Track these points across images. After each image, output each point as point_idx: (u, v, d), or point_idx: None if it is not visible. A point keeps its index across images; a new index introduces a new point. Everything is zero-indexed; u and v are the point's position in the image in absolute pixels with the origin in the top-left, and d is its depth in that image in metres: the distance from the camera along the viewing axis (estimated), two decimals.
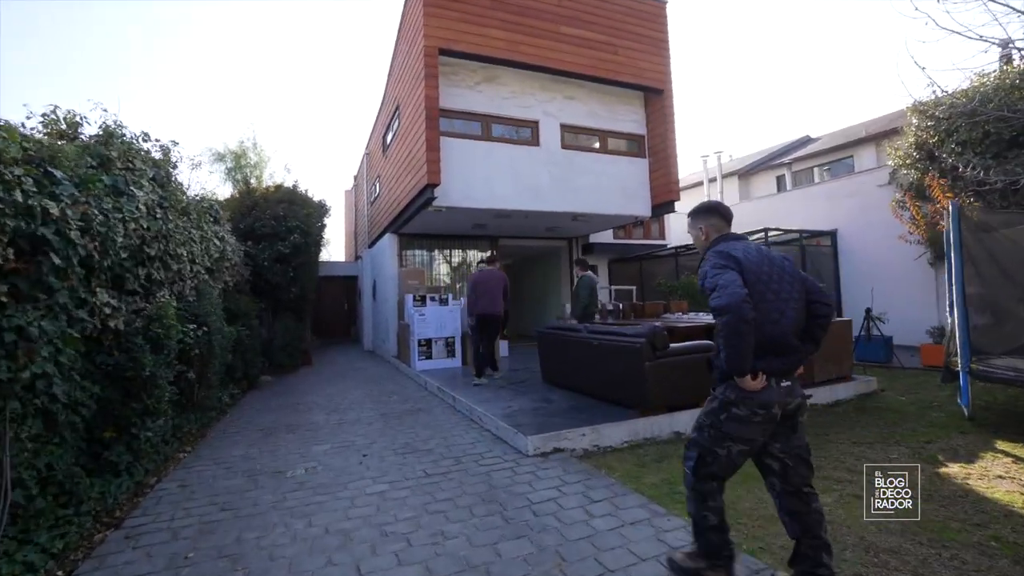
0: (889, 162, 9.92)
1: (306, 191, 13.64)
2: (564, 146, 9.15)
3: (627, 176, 9.74)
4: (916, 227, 8.36)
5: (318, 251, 14.90)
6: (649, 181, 9.93)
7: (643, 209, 9.89)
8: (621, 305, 8.86)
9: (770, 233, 10.24)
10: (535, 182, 8.76)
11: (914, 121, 9.11)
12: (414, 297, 8.58)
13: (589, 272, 7.54)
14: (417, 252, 11.21)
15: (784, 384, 1.99)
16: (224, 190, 15.51)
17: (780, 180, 16.25)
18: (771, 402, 1.95)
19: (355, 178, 18.15)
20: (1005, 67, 8.11)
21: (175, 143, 4.91)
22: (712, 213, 2.26)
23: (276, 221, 9.29)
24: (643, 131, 10.00)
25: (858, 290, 10.22)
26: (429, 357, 8.32)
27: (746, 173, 17.20)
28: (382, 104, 11.98)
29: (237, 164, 16.36)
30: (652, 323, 5.49)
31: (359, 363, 10.83)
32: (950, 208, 4.91)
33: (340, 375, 9.09)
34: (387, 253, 10.91)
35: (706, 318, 6.52)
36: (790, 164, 15.05)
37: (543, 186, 8.81)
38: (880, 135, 13.39)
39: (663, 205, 9.80)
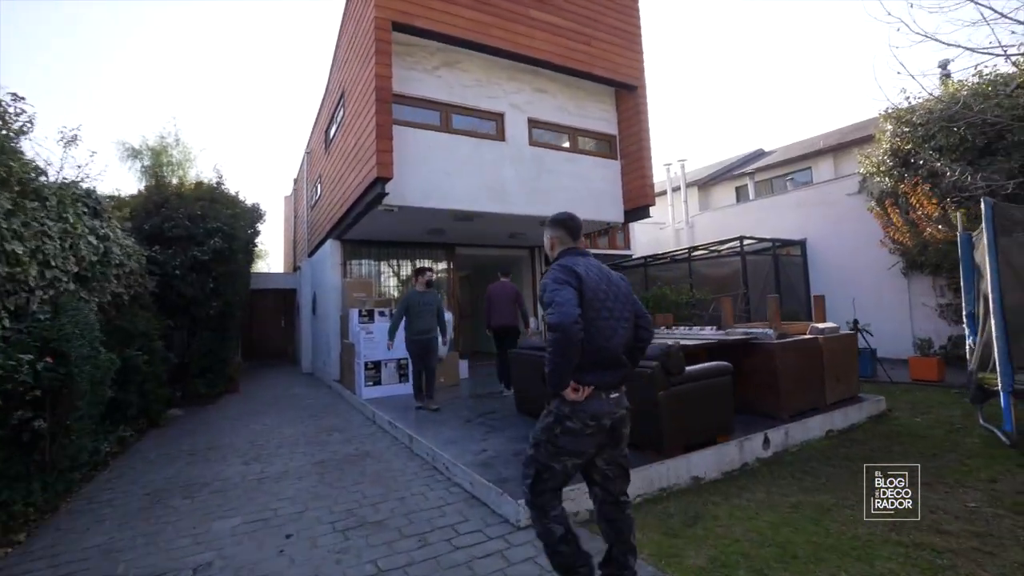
0: (860, 170, 9.74)
1: (237, 193, 12.05)
2: (532, 143, 8.26)
3: (598, 178, 8.98)
4: (901, 234, 8.03)
5: (250, 260, 13.22)
6: (621, 184, 9.22)
7: (615, 214, 9.14)
8: None
9: (745, 242, 9.77)
10: (501, 181, 7.80)
11: (888, 127, 8.93)
12: (360, 312, 7.33)
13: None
14: (364, 261, 9.90)
15: (612, 396, 2.09)
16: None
17: (740, 191, 16.19)
18: (601, 413, 2.03)
19: (295, 182, 16.51)
20: (973, 77, 8.04)
21: (17, 97, 3.54)
22: (560, 226, 2.30)
23: (192, 222, 7.75)
24: (614, 131, 9.30)
25: (830, 300, 9.91)
26: (378, 383, 7.06)
27: (705, 184, 17.08)
28: (325, 95, 10.68)
29: (156, 162, 14.35)
30: (660, 341, 4.60)
31: (296, 388, 9.34)
32: (983, 207, 4.34)
33: (271, 404, 7.63)
34: (329, 262, 9.55)
35: (711, 333, 5.72)
36: (752, 174, 14.97)
37: (509, 186, 7.86)
38: (838, 147, 13.49)
39: (637, 211, 9.09)
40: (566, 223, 2.29)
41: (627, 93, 9.09)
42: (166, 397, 6.66)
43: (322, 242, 10.46)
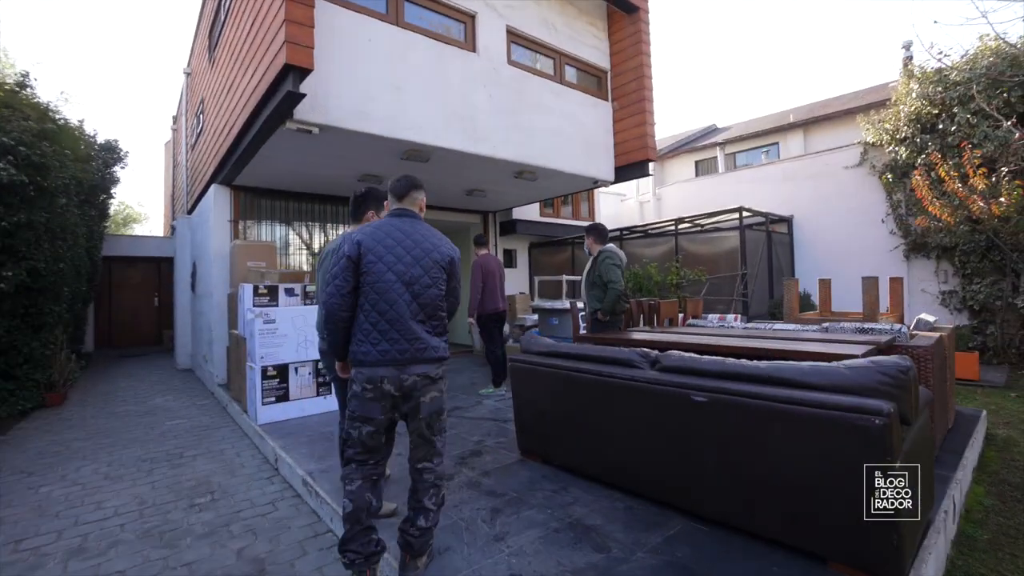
0: (869, 138, 8.61)
1: (81, 123, 8.63)
2: (511, 62, 6.05)
3: (589, 122, 6.99)
4: (936, 208, 6.88)
5: (102, 215, 9.77)
6: (613, 133, 7.31)
7: (605, 170, 7.23)
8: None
9: (744, 215, 8.33)
10: (470, 109, 5.54)
11: (914, 89, 7.81)
12: (256, 289, 4.80)
13: (611, 245, 4.59)
14: (264, 223, 7.15)
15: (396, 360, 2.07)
16: None
17: (700, 164, 15.05)
18: (377, 377, 2.05)
19: (173, 120, 12.82)
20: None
21: None
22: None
23: None
24: (606, 64, 7.32)
25: (815, 284, 8.81)
26: (283, 398, 4.63)
27: (662, 157, 15.77)
28: None
29: None
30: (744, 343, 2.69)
31: (160, 397, 6.51)
32: None
33: (110, 432, 4.90)
34: (212, 217, 6.72)
35: (782, 326, 4.00)
36: (723, 145, 13.79)
37: (482, 117, 5.63)
38: (809, 121, 12.60)
39: (632, 167, 7.24)
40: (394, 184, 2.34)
41: (625, 17, 7.12)
42: None
43: (205, 190, 7.51)
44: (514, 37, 6.13)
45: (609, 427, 2.79)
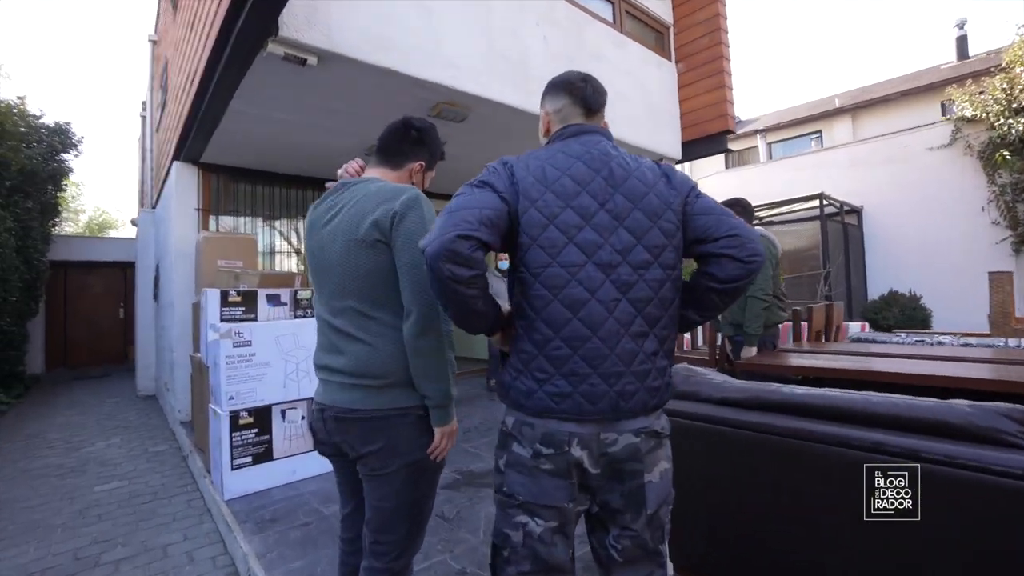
0: (968, 112, 7.32)
1: (22, 101, 7.15)
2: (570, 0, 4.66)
3: (652, 84, 5.62)
4: None
5: (46, 210, 8.20)
6: (678, 100, 5.93)
7: (671, 143, 5.85)
8: None
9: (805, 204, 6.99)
10: (521, 49, 4.13)
11: None
12: (225, 297, 3.28)
13: (760, 228, 3.21)
14: (244, 217, 5.63)
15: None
16: None
17: (728, 156, 13.78)
18: (560, 438, 1.09)
19: (143, 105, 11.26)
20: None
21: None
22: (554, 88, 1.33)
23: None
24: (668, 17, 5.96)
25: (892, 282, 7.49)
26: (266, 456, 3.11)
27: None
28: None
29: None
30: None
31: (103, 440, 4.93)
32: None
33: (4, 506, 3.34)
34: (174, 205, 5.19)
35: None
36: (764, 132, 12.55)
37: (535, 62, 4.21)
38: (859, 106, 11.37)
39: (703, 142, 5.87)
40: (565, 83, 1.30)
41: None
42: None
43: (168, 175, 5.97)
44: None
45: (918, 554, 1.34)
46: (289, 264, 6.00)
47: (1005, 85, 6.97)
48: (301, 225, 6.00)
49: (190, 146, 4.77)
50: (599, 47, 4.91)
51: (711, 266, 1.14)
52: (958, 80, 8.26)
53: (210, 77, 3.58)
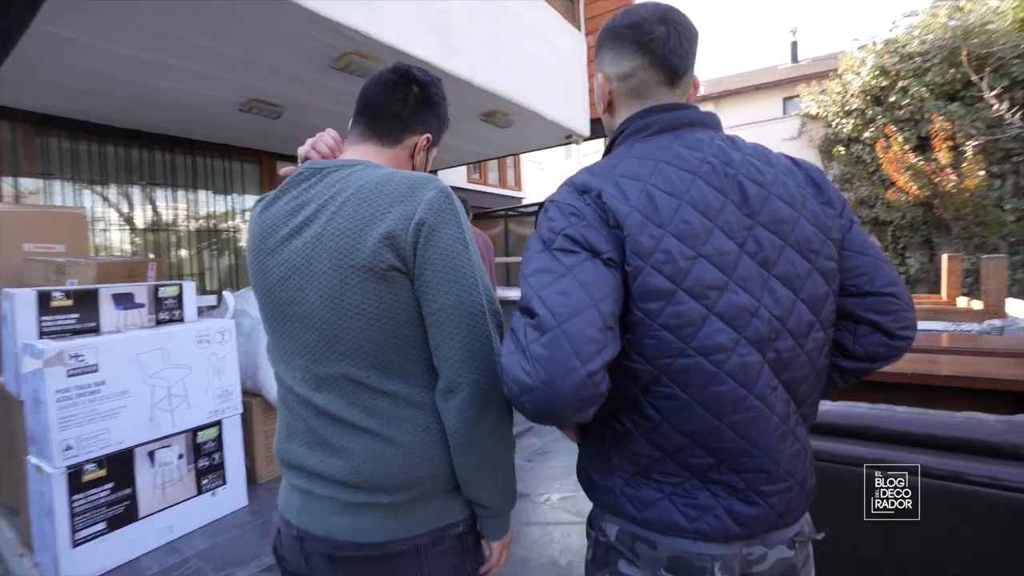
0: (813, 110, 8.36)
1: None
2: None
3: (567, 53, 5.37)
4: (905, 181, 6.69)
5: None
6: (587, 75, 5.79)
7: (581, 120, 5.71)
8: None
9: None
10: (444, 11, 3.53)
11: (868, 61, 7.58)
12: (45, 300, 2.29)
13: None
14: (66, 182, 4.16)
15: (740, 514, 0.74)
16: None
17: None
18: (695, 564, 0.74)
19: None
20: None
21: None
22: (617, 39, 0.84)
23: None
24: None
25: None
26: (128, 518, 2.30)
27: None
28: None
29: None
30: None
31: None
32: None
33: None
34: None
35: None
36: None
37: (456, 16, 3.65)
38: (720, 95, 12.53)
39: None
40: (632, 28, 0.80)
41: None
42: None
43: None
44: None
45: None
46: (138, 239, 4.65)
47: (840, 89, 8.09)
48: (147, 200, 4.68)
49: None
50: (523, 15, 4.46)
51: (844, 333, 0.82)
52: (796, 81, 9.45)
53: None
